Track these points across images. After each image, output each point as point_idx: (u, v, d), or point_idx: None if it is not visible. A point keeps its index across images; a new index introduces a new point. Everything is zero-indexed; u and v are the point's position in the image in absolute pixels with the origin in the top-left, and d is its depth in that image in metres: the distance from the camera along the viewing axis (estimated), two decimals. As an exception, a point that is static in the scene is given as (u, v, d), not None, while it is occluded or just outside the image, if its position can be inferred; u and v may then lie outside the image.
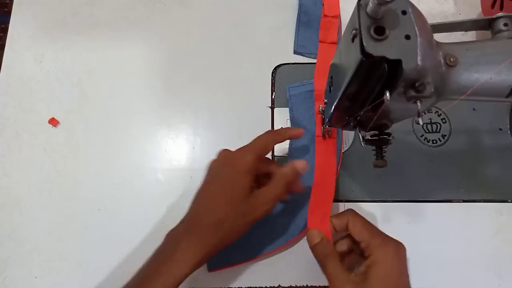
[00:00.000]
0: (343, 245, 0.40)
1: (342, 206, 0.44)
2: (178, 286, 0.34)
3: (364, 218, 0.39)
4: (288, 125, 0.48)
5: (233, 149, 0.40)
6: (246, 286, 0.42)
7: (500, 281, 0.42)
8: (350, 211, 0.40)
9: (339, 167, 0.45)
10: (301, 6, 0.52)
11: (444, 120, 0.47)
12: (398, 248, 0.37)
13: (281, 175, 0.39)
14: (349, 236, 0.40)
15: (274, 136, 0.41)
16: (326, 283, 0.42)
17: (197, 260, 0.35)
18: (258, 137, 0.40)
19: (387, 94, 0.26)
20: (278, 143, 0.41)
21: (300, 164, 0.39)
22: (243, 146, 0.39)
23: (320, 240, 0.39)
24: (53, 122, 0.48)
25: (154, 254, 0.36)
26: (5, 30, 0.53)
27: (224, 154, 0.40)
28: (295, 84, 0.49)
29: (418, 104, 0.27)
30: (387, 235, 0.38)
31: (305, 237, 0.43)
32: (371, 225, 0.39)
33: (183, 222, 0.38)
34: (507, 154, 0.46)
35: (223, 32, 0.52)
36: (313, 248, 0.39)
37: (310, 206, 0.42)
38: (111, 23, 0.53)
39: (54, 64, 0.51)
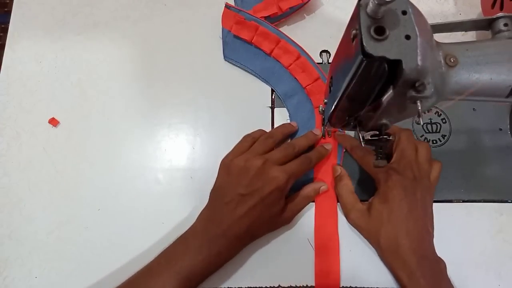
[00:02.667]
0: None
1: (344, 218, 0.44)
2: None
3: (412, 145, 0.42)
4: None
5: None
6: (246, 286, 0.42)
7: (500, 281, 0.42)
8: (409, 132, 0.42)
9: None
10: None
11: (444, 120, 0.47)
12: (411, 185, 0.39)
13: (305, 196, 0.43)
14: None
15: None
16: (326, 283, 0.42)
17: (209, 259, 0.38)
18: (280, 148, 0.42)
19: (389, 93, 0.26)
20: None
21: (322, 186, 0.44)
22: (277, 162, 0.41)
23: (340, 172, 0.44)
24: (53, 122, 0.48)
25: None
26: (5, 30, 0.53)
27: (263, 166, 0.39)
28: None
29: (418, 104, 0.27)
30: (410, 174, 0.40)
31: (305, 237, 0.43)
32: (410, 156, 0.41)
33: (204, 226, 0.39)
34: (507, 154, 0.46)
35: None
36: (351, 149, 0.45)
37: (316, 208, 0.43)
38: (111, 23, 0.53)
39: (54, 64, 0.51)
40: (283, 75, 0.49)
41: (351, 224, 0.43)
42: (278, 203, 0.40)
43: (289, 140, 0.47)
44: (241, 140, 0.44)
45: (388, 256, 0.40)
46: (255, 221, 0.38)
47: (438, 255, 0.40)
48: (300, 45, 0.49)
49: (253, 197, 0.38)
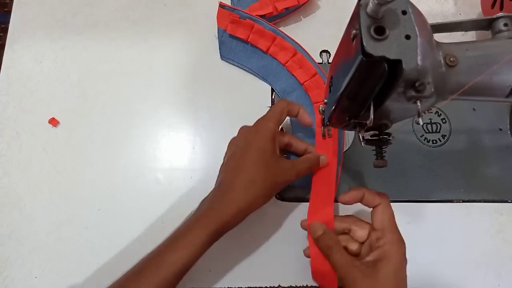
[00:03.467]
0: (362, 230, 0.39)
1: (342, 207, 0.44)
2: (211, 239, 0.36)
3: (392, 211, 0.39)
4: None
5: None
6: (246, 286, 0.42)
7: (500, 281, 0.42)
8: (386, 197, 0.39)
9: (340, 168, 0.45)
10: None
11: (444, 120, 0.47)
12: (405, 250, 0.37)
13: (306, 158, 0.42)
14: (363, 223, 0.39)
15: (288, 105, 0.42)
16: (326, 283, 0.42)
17: (229, 217, 0.37)
18: (274, 106, 0.43)
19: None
20: (291, 115, 0.43)
21: (323, 157, 0.43)
22: (261, 117, 0.42)
23: (322, 232, 0.39)
24: (53, 122, 0.48)
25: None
26: (5, 30, 0.53)
27: (245, 129, 0.42)
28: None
29: (418, 104, 0.27)
30: (400, 234, 0.38)
31: (306, 237, 0.43)
32: (394, 220, 0.38)
33: (214, 189, 0.40)
34: (507, 154, 0.46)
35: (223, 32, 0.52)
36: (316, 240, 0.39)
37: (310, 207, 0.42)
38: (111, 23, 0.53)
39: (54, 64, 0.51)
40: (281, 72, 0.49)
41: None
42: (266, 145, 0.39)
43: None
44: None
45: None
46: (250, 165, 0.39)
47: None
48: (296, 41, 0.49)
49: (245, 147, 0.40)
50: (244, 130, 0.43)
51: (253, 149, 0.39)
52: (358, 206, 0.44)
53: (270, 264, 0.43)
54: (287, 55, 0.48)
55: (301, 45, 0.49)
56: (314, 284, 0.42)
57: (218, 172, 0.42)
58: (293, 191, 0.45)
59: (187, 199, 0.45)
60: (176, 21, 0.53)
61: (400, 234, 0.38)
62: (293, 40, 0.49)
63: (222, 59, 0.51)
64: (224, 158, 0.43)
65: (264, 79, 0.50)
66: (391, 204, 0.44)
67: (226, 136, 0.45)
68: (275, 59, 0.49)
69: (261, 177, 0.39)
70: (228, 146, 0.43)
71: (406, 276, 0.36)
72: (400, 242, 0.37)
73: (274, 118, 0.41)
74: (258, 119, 0.42)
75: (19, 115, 0.49)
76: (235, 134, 0.45)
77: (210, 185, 0.42)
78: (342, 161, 0.46)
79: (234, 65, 0.50)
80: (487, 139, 0.47)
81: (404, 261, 0.36)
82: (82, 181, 0.46)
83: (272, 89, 0.49)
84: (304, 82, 0.48)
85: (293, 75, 0.48)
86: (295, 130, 0.48)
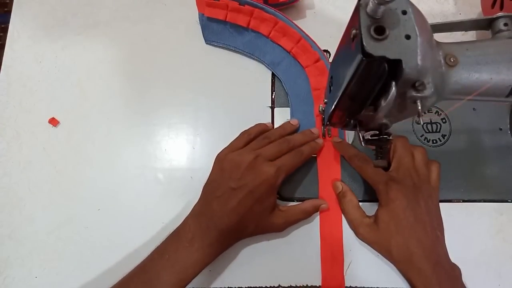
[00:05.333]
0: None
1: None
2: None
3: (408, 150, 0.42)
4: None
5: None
6: (246, 286, 0.42)
7: (500, 281, 0.42)
8: (403, 139, 0.43)
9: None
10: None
11: (444, 120, 0.47)
12: (412, 192, 0.40)
13: (302, 210, 0.43)
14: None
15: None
16: (326, 283, 0.42)
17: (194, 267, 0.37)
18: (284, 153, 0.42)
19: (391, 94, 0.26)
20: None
21: (323, 204, 0.43)
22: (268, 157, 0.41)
23: (355, 154, 0.44)
24: (53, 122, 0.48)
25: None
26: (5, 30, 0.53)
27: (254, 161, 0.40)
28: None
29: (418, 104, 0.27)
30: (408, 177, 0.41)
31: (305, 237, 0.43)
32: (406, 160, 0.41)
33: (196, 220, 0.39)
34: (507, 154, 0.46)
35: (223, 32, 0.52)
36: (349, 159, 0.44)
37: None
38: (111, 23, 0.53)
39: (54, 64, 0.51)
40: (266, 45, 0.49)
41: (361, 240, 0.42)
42: (268, 198, 0.40)
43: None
44: (238, 137, 0.44)
45: (403, 266, 0.40)
46: (245, 215, 0.38)
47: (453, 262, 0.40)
48: (275, 9, 0.48)
49: (242, 191, 0.38)
50: (240, 153, 0.41)
51: (249, 198, 0.38)
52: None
53: (270, 264, 0.43)
54: (269, 26, 0.48)
55: (277, 10, 0.48)
56: (314, 284, 0.42)
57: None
58: (293, 191, 0.45)
59: (187, 199, 0.45)
60: (176, 21, 0.53)
61: (400, 137, 0.43)
62: (272, 8, 0.48)
63: (206, 43, 0.51)
64: (211, 174, 0.42)
65: (251, 54, 0.50)
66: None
67: (226, 136, 0.45)
68: (258, 32, 0.49)
69: (249, 230, 0.40)
70: (215, 162, 0.42)
71: (415, 212, 0.39)
72: (399, 138, 0.43)
73: (283, 169, 0.40)
74: (269, 162, 0.40)
75: (19, 115, 0.49)
76: (235, 134, 0.45)
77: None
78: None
79: (220, 47, 0.51)
80: (487, 139, 0.47)
81: (408, 151, 0.42)
82: (82, 181, 0.46)
83: (272, 90, 0.49)
84: (291, 49, 0.48)
85: (278, 44, 0.48)
86: (295, 115, 0.47)
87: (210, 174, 0.42)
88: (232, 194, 0.38)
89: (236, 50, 0.50)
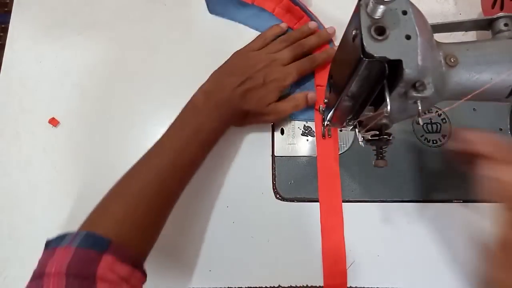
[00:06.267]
0: None
1: (342, 206, 0.44)
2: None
3: None
4: (291, 125, 0.48)
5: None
6: (246, 286, 0.42)
7: (500, 281, 0.42)
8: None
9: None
10: None
11: (444, 120, 0.47)
12: None
13: (292, 106, 0.45)
14: None
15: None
16: (326, 283, 0.42)
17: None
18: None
19: (388, 107, 0.26)
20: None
21: (311, 95, 0.45)
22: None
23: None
24: (53, 122, 0.48)
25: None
26: (5, 30, 0.53)
27: (270, 65, 0.43)
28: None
29: (418, 104, 0.27)
30: None
31: (305, 237, 0.43)
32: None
33: (208, 95, 0.42)
34: (507, 154, 0.46)
35: (223, 32, 0.52)
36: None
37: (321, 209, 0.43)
38: (111, 23, 0.53)
39: (54, 64, 0.51)
40: (270, 20, 0.50)
41: None
42: (272, 94, 0.43)
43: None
44: (255, 39, 0.47)
45: None
46: (251, 101, 0.42)
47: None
48: None
49: (253, 81, 0.42)
50: (259, 60, 0.43)
51: (257, 88, 0.42)
52: (362, 217, 0.45)
53: (270, 264, 0.43)
54: (273, 2, 0.50)
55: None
56: (314, 284, 0.42)
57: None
58: (293, 191, 0.45)
59: (187, 199, 0.45)
60: (176, 21, 0.53)
61: None
62: None
63: (211, 13, 0.52)
64: (226, 64, 0.44)
65: (256, 28, 0.51)
66: (391, 204, 0.45)
67: (226, 136, 0.45)
68: (263, 8, 0.50)
69: (248, 113, 0.44)
70: (235, 54, 0.45)
71: None
72: None
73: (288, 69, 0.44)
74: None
75: (19, 115, 0.49)
76: (236, 133, 0.45)
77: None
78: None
79: (224, 18, 0.52)
80: (487, 139, 0.47)
81: None
82: (82, 181, 0.46)
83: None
84: (294, 25, 0.49)
85: (281, 20, 0.50)
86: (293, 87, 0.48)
87: (224, 64, 0.44)
88: (244, 81, 0.41)
89: (240, 22, 0.51)
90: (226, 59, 0.51)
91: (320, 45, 0.47)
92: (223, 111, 0.41)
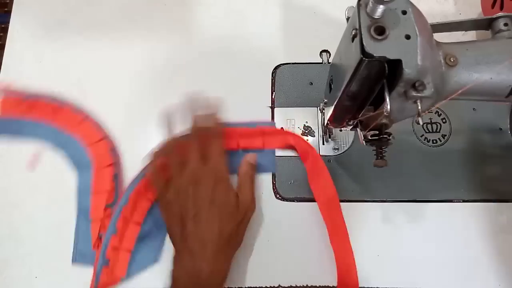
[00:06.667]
0: None
1: (343, 206, 0.44)
2: None
3: None
4: (291, 125, 0.48)
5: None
6: (246, 286, 0.42)
7: (500, 281, 0.42)
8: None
9: None
10: None
11: (444, 120, 0.47)
12: None
13: (245, 175, 0.43)
14: None
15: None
16: (326, 283, 0.42)
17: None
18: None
19: (387, 106, 0.26)
20: None
21: (250, 157, 0.44)
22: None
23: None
24: (53, 122, 0.48)
25: None
26: (5, 30, 0.53)
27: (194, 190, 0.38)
28: None
29: (418, 104, 0.27)
30: None
31: (305, 237, 0.43)
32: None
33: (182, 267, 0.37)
34: (507, 154, 0.46)
35: (223, 32, 0.52)
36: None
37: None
38: (111, 23, 0.53)
39: (54, 64, 0.51)
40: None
41: None
42: (228, 192, 0.40)
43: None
44: (151, 178, 0.43)
45: None
46: (222, 224, 0.38)
47: None
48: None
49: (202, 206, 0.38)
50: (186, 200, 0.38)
51: (222, 205, 0.38)
52: (362, 217, 0.45)
53: (270, 264, 0.43)
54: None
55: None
56: (314, 284, 0.42)
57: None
58: (293, 191, 0.45)
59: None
60: (176, 21, 0.53)
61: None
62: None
63: None
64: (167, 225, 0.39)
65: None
66: (391, 204, 0.45)
67: (226, 136, 0.45)
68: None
69: (236, 235, 0.40)
70: (165, 208, 0.40)
71: None
72: None
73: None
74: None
75: (19, 115, 0.49)
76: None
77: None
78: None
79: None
80: (487, 139, 0.47)
81: None
82: (82, 181, 0.46)
83: (272, 90, 0.49)
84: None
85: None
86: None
87: (166, 225, 0.40)
88: (194, 225, 0.37)
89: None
90: (226, 59, 0.51)
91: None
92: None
